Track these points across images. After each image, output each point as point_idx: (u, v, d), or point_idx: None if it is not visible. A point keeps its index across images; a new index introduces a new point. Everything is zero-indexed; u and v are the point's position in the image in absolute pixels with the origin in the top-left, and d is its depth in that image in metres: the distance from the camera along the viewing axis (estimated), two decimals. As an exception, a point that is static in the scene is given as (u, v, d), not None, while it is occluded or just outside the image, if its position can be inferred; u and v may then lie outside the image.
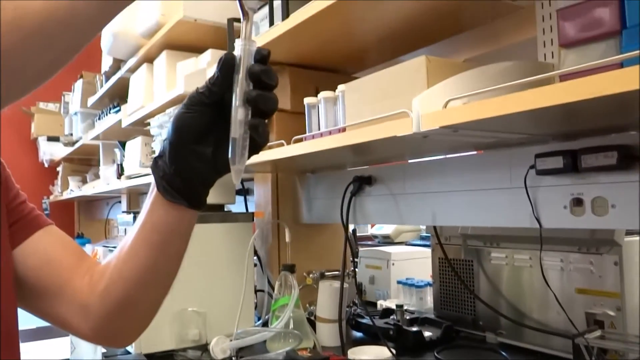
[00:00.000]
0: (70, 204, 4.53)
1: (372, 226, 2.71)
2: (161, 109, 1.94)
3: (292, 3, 1.25)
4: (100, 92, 2.88)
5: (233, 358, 1.24)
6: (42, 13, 0.47)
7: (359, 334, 1.44)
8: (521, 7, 1.01)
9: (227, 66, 0.55)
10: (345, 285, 1.33)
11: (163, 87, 1.96)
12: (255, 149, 0.57)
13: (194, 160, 0.58)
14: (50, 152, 4.28)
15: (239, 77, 0.55)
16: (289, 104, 1.46)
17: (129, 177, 2.23)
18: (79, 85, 3.39)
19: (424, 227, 2.40)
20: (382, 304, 1.65)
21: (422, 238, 2.51)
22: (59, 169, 4.20)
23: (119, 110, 2.47)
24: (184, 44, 1.90)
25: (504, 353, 1.18)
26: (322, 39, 1.28)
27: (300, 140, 1.19)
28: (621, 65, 0.61)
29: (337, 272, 1.56)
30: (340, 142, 1.03)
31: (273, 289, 1.42)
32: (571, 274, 1.14)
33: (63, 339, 1.45)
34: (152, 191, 0.62)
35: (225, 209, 1.61)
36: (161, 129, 1.89)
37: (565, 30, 0.74)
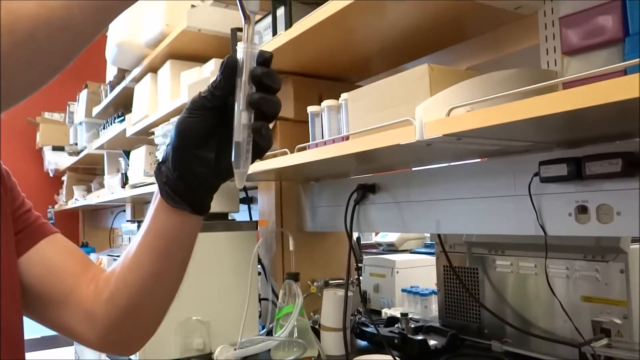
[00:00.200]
0: (75, 213, 4.54)
1: (376, 234, 2.71)
2: (165, 119, 1.96)
3: (295, 12, 1.25)
4: (105, 101, 2.90)
5: (237, 367, 1.24)
6: (35, 17, 0.46)
7: (363, 343, 1.43)
8: (524, 15, 1.01)
9: (230, 69, 0.55)
10: (350, 293, 1.32)
11: (167, 97, 1.97)
12: (258, 152, 0.56)
13: (197, 165, 0.58)
14: (55, 161, 4.30)
15: (241, 81, 0.55)
16: (293, 113, 1.46)
17: (133, 186, 2.24)
18: (83, 95, 3.42)
19: (428, 235, 2.40)
20: (386, 312, 1.64)
21: (426, 246, 2.51)
22: (64, 178, 4.22)
23: (124, 119, 2.49)
24: (188, 53, 1.91)
25: (509, 362, 1.18)
26: (325, 48, 1.29)
27: (304, 148, 1.20)
28: (624, 72, 0.61)
29: (341, 281, 1.55)
30: (344, 150, 1.03)
31: (277, 297, 1.42)
32: (577, 282, 1.13)
33: (68, 348, 1.45)
34: (156, 197, 0.62)
35: (229, 218, 1.61)
36: (165, 138, 1.90)
37: (568, 37, 0.74)
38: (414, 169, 1.36)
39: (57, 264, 0.69)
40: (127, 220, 3.05)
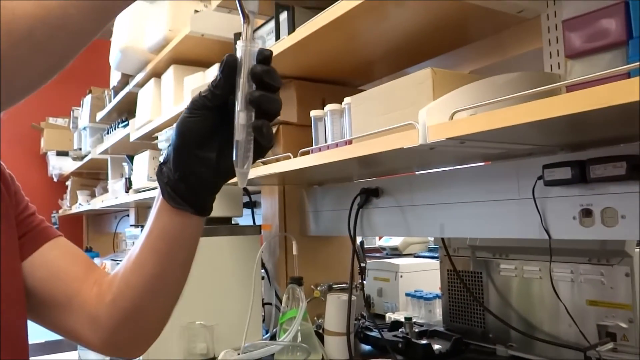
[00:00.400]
0: (79, 218, 4.56)
1: (380, 238, 2.71)
2: (169, 123, 1.96)
3: (298, 17, 1.26)
4: (109, 107, 2.92)
5: (241, 372, 1.24)
6: (32, 17, 0.45)
7: (367, 347, 1.43)
8: (526, 19, 1.01)
9: (229, 68, 0.54)
10: (353, 297, 1.32)
11: (170, 102, 1.98)
12: (260, 151, 0.56)
13: (198, 165, 0.58)
14: (59, 166, 4.32)
15: (241, 79, 0.54)
16: (296, 117, 1.47)
17: (137, 191, 2.24)
18: (87, 100, 3.43)
19: (432, 239, 2.39)
20: (390, 316, 1.63)
21: (430, 250, 2.50)
22: (68, 183, 4.24)
23: (127, 124, 2.50)
24: (191, 58, 1.92)
25: (514, 366, 1.17)
26: (328, 52, 1.29)
27: (307, 152, 1.20)
28: (628, 75, 0.61)
29: (345, 285, 1.55)
30: (347, 154, 1.03)
31: (281, 302, 1.41)
32: (582, 286, 1.13)
33: (71, 352, 1.45)
34: (158, 199, 0.62)
35: (233, 222, 1.61)
36: (169, 143, 1.90)
37: (571, 41, 0.74)
38: (417, 172, 1.36)
39: (61, 267, 0.69)
40: (131, 225, 3.06)
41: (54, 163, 4.36)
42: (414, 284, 1.74)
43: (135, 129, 2.34)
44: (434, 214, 1.25)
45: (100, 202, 3.21)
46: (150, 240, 0.63)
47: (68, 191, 4.22)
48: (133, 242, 1.39)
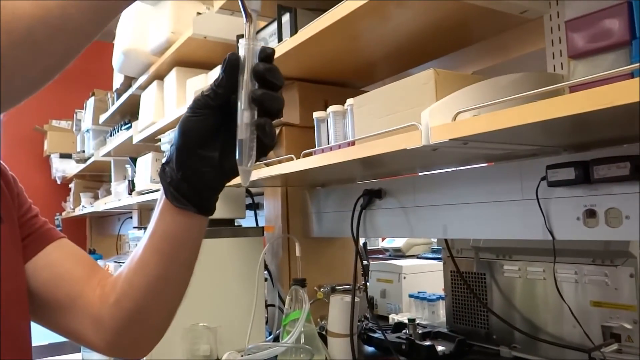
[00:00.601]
0: (82, 220, 4.56)
1: (383, 239, 2.70)
2: (172, 125, 1.97)
3: (300, 19, 1.26)
4: (112, 109, 2.93)
5: (244, 374, 1.24)
6: (32, 17, 0.45)
7: (370, 349, 1.43)
8: (529, 19, 1.01)
9: (232, 66, 0.54)
10: (357, 299, 1.32)
11: (173, 104, 1.98)
12: (262, 150, 0.56)
13: (201, 164, 0.58)
14: (62, 169, 4.34)
15: (244, 78, 0.54)
16: (298, 118, 1.47)
17: (140, 193, 2.25)
18: (90, 102, 3.45)
19: (435, 240, 2.39)
20: (393, 318, 1.63)
21: (433, 251, 2.50)
22: (71, 185, 4.25)
23: (130, 127, 2.50)
24: (194, 60, 1.92)
25: (518, 368, 1.17)
26: (331, 53, 1.29)
27: (310, 154, 1.20)
28: (631, 75, 0.61)
29: (348, 286, 1.55)
30: (350, 155, 1.03)
31: (284, 303, 1.41)
32: (586, 287, 1.12)
33: (75, 354, 1.45)
34: (161, 199, 0.62)
35: (236, 224, 1.61)
36: (171, 143, 1.91)
37: (574, 41, 0.74)
38: (420, 173, 1.36)
39: (64, 269, 0.69)
40: (134, 227, 3.06)
41: (57, 165, 4.37)
42: (417, 285, 1.74)
43: (138, 131, 2.35)
44: (437, 215, 1.25)
45: (103, 204, 3.22)
46: (153, 240, 0.63)
47: (71, 193, 4.23)
48: (136, 244, 1.39)
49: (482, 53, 1.34)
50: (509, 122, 0.68)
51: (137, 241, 1.45)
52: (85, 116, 3.58)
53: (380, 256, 2.62)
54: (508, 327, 1.25)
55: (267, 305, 1.62)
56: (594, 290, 1.11)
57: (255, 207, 1.77)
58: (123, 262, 0.71)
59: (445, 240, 1.43)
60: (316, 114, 1.22)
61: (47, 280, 0.67)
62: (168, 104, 2.05)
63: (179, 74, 1.97)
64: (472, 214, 1.16)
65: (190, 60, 1.94)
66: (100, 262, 3.04)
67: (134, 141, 2.41)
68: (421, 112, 0.82)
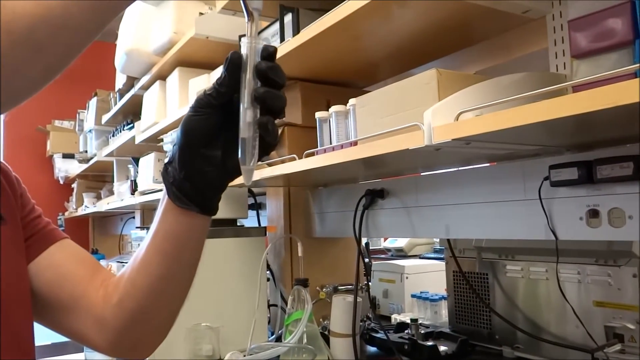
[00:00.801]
0: (84, 220, 4.57)
1: (385, 239, 2.70)
2: (174, 125, 1.97)
3: (302, 19, 1.26)
4: (114, 109, 2.93)
5: (247, 374, 1.24)
6: (33, 16, 0.45)
7: (373, 349, 1.42)
8: (532, 19, 1.01)
9: (234, 65, 0.54)
10: (359, 299, 1.32)
11: (176, 104, 1.98)
12: (265, 148, 0.56)
13: (203, 164, 0.57)
14: (65, 169, 4.35)
15: (246, 76, 0.54)
16: (301, 119, 1.47)
17: (143, 193, 2.25)
18: (93, 103, 3.45)
19: (438, 240, 2.39)
20: (396, 318, 1.63)
21: (435, 251, 2.50)
22: (74, 185, 4.26)
23: (133, 127, 2.51)
24: (196, 61, 1.93)
25: (521, 368, 1.17)
26: (333, 54, 1.29)
27: (312, 154, 1.20)
28: (635, 75, 0.61)
29: (350, 286, 1.55)
30: (352, 155, 1.03)
31: (286, 303, 1.42)
32: (589, 287, 1.12)
33: (77, 354, 1.45)
34: (164, 199, 0.62)
35: (238, 224, 1.61)
36: (174, 143, 1.91)
37: (577, 41, 0.73)
38: (422, 173, 1.36)
39: (67, 269, 0.69)
40: (137, 227, 3.06)
41: (60, 165, 4.38)
42: (420, 285, 1.74)
43: (140, 131, 2.35)
44: (440, 215, 1.25)
45: (106, 205, 3.23)
46: (156, 240, 0.63)
47: (74, 193, 4.24)
48: (139, 244, 1.40)
49: (484, 53, 1.34)
50: (512, 122, 0.68)
51: (140, 241, 1.46)
52: (88, 116, 3.59)
53: (383, 256, 2.63)
54: (511, 327, 1.25)
55: (269, 305, 1.63)
56: (597, 290, 1.11)
57: (257, 207, 1.77)
58: (126, 262, 0.71)
59: (448, 240, 1.42)
60: (318, 114, 1.22)
61: (50, 281, 0.67)
62: (170, 104, 2.05)
63: (182, 74, 1.97)
64: (474, 214, 1.16)
65: (192, 61, 1.94)
66: (102, 262, 3.05)
67: (137, 141, 2.42)
68: (424, 112, 0.82)
